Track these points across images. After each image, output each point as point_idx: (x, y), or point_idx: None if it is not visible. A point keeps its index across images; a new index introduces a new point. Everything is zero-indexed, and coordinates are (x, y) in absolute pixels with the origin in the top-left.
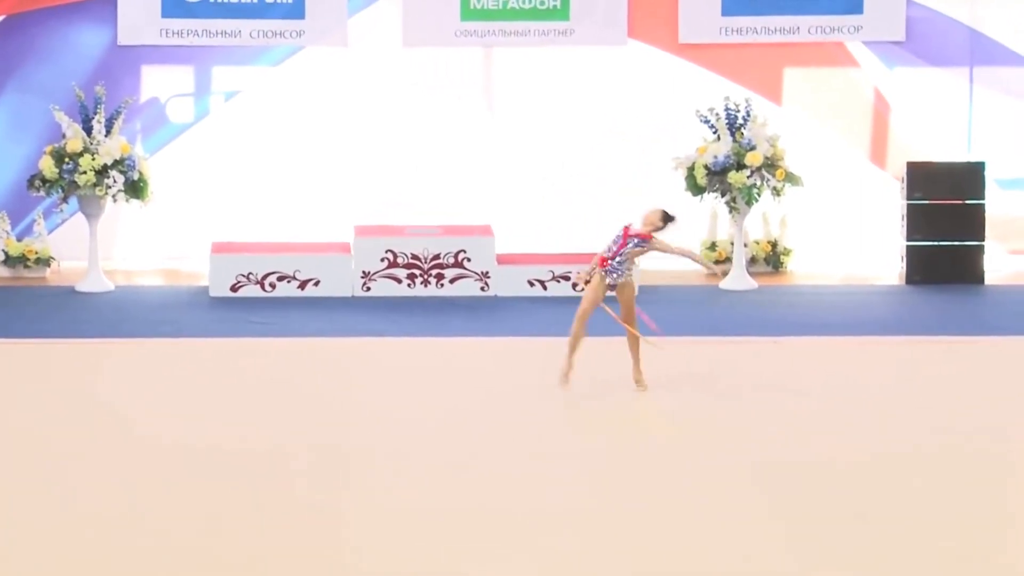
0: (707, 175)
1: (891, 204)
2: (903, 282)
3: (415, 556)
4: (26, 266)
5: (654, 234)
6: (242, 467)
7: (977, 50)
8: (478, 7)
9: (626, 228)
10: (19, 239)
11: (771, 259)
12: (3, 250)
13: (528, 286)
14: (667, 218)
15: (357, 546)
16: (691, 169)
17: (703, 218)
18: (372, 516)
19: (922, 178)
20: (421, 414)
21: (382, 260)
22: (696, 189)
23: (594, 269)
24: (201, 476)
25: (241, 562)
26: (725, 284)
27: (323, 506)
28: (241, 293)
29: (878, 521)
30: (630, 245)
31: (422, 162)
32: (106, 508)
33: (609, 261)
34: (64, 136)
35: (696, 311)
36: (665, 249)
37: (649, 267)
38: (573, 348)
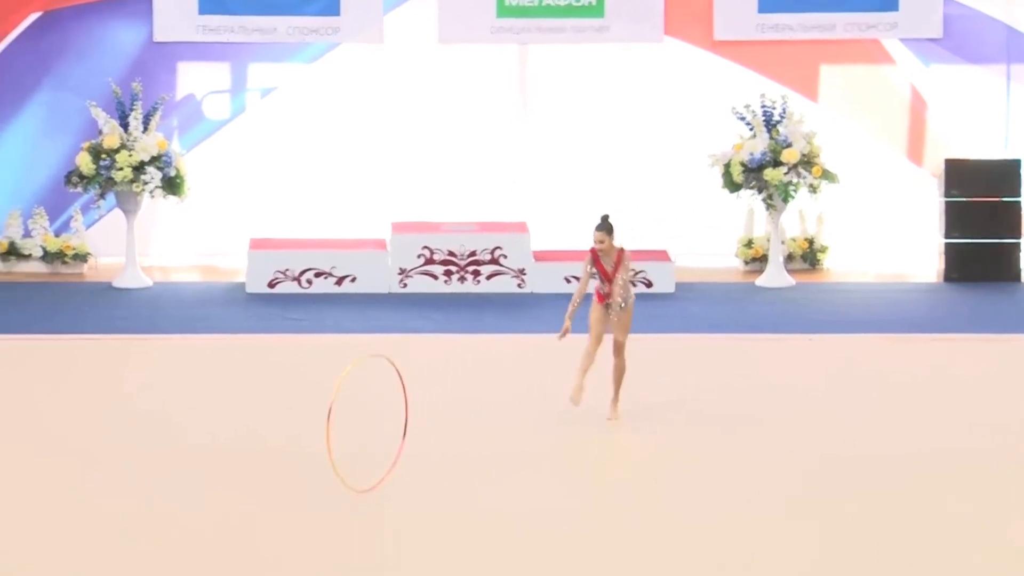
0: (743, 172)
1: (928, 201)
2: (940, 279)
3: (448, 556)
4: (63, 262)
5: (623, 250)
6: (274, 463)
7: (1014, 47)
8: (513, 4)
9: (599, 263)
10: (57, 235)
11: (808, 256)
12: (41, 246)
13: (564, 283)
14: (607, 225)
15: (388, 542)
16: (727, 166)
17: (739, 215)
18: (402, 514)
19: (959, 175)
20: (454, 411)
21: (418, 256)
22: (732, 186)
23: (572, 316)
24: (232, 472)
25: (268, 559)
26: (762, 281)
27: (354, 503)
28: (278, 289)
29: (926, 518)
30: (619, 279)
31: (458, 159)
32: (136, 503)
33: (607, 297)
34: (101, 132)
35: (733, 308)
36: (623, 268)
37: (686, 264)
38: (584, 370)
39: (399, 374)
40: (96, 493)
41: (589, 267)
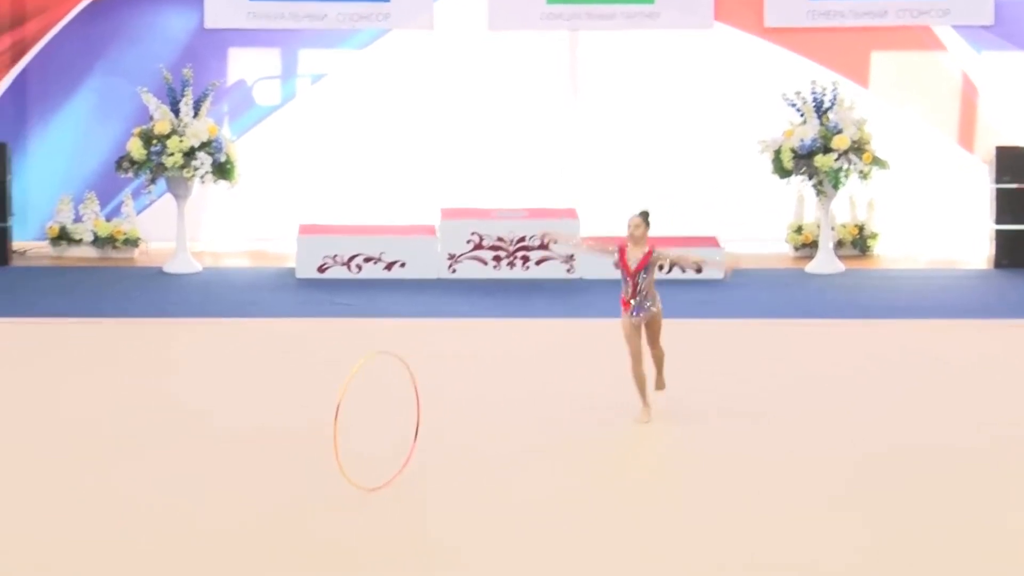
0: (794, 158)
1: (979, 188)
2: (991, 266)
3: (494, 541)
4: (114, 247)
5: (655, 248)
6: (317, 453)
7: None
8: None
9: (623, 258)
10: (108, 220)
11: (858, 242)
12: (92, 231)
13: (613, 269)
14: (646, 216)
15: (430, 527)
16: (778, 152)
17: (790, 201)
18: (446, 501)
19: (1011, 162)
20: (502, 396)
21: (468, 242)
22: (783, 172)
23: (560, 241)
24: (273, 460)
25: (309, 544)
26: (812, 268)
27: (394, 489)
28: (328, 274)
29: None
30: (641, 279)
31: (508, 145)
32: (170, 490)
33: (630, 302)
34: (152, 118)
35: (783, 294)
36: (666, 258)
37: (736, 250)
38: (642, 388)
39: (411, 374)
40: (127, 479)
41: (612, 253)
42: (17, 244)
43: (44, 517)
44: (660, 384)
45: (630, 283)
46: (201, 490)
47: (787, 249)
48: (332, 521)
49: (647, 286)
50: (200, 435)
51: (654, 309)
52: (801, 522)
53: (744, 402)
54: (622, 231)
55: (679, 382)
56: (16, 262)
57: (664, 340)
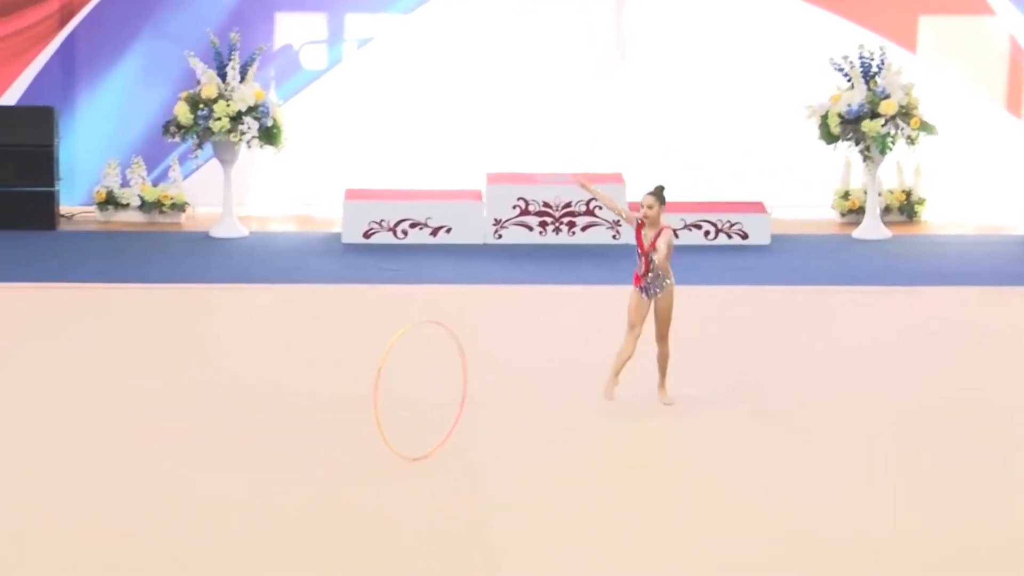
0: (841, 124)
1: None
2: None
3: (537, 512)
4: (161, 211)
5: (666, 228)
6: (360, 416)
7: None
8: None
9: (639, 235)
10: (154, 184)
11: (905, 208)
12: (139, 195)
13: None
14: (661, 194)
15: (473, 497)
16: (825, 117)
17: (836, 167)
18: (489, 471)
19: None
20: (547, 363)
21: (514, 208)
22: (830, 138)
23: (593, 189)
24: (321, 426)
25: (353, 513)
26: (858, 233)
27: (437, 459)
28: (373, 240)
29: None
30: (654, 259)
31: (554, 109)
32: (220, 452)
33: (643, 278)
34: (199, 82)
35: (830, 260)
36: (659, 257)
37: (782, 216)
38: (620, 366)
39: (458, 342)
40: (170, 444)
41: (633, 223)
42: (64, 209)
43: (88, 481)
44: (664, 391)
45: (643, 260)
46: (244, 457)
47: (834, 215)
48: (375, 490)
49: (659, 266)
50: (244, 401)
51: (667, 287)
52: (845, 490)
53: (787, 368)
54: (668, 195)
55: (725, 348)
56: (63, 227)
57: (672, 338)
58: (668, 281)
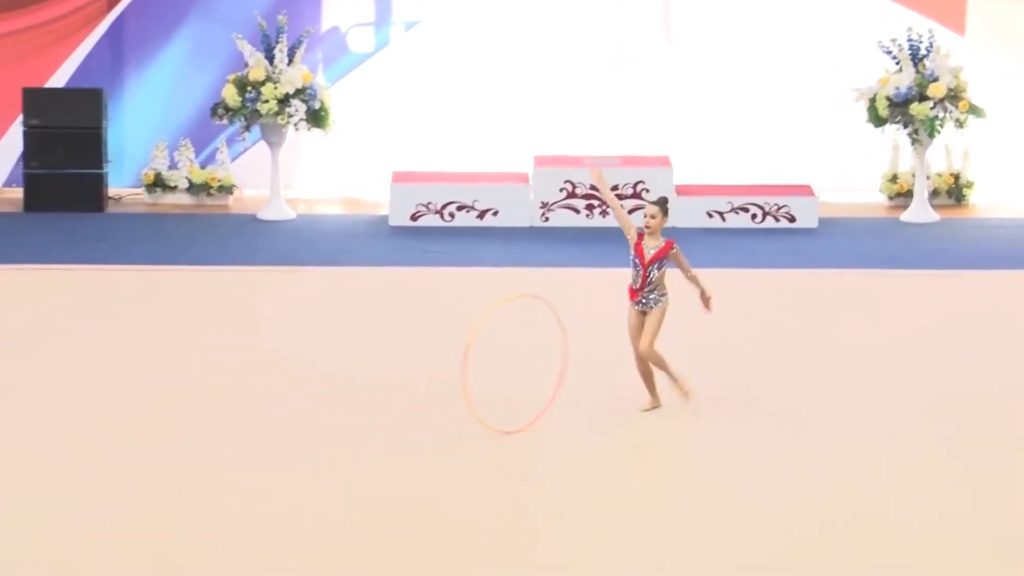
0: (889, 106)
1: None
2: None
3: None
4: (209, 194)
5: (673, 244)
6: (415, 401)
7: None
8: None
9: (640, 247)
10: (202, 167)
11: (953, 191)
12: (187, 177)
13: (707, 217)
14: (664, 206)
15: (508, 488)
16: (873, 100)
17: (885, 150)
18: (518, 458)
19: None
20: (592, 347)
21: (560, 190)
22: (878, 121)
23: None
24: (371, 409)
25: (412, 499)
26: (906, 216)
27: (498, 445)
28: (420, 222)
29: None
30: (653, 272)
31: (601, 92)
32: (272, 438)
33: (638, 293)
34: (247, 65)
35: (877, 243)
36: (680, 264)
37: (830, 199)
38: (649, 380)
39: (557, 317)
40: (221, 427)
41: (631, 237)
42: (113, 191)
43: (131, 461)
44: (680, 389)
45: (641, 274)
46: (291, 438)
47: (881, 198)
48: (440, 470)
49: (658, 280)
50: (291, 383)
51: (661, 304)
52: (900, 473)
53: (835, 352)
54: (715, 178)
55: (772, 331)
56: (112, 209)
57: (658, 343)
58: (664, 298)
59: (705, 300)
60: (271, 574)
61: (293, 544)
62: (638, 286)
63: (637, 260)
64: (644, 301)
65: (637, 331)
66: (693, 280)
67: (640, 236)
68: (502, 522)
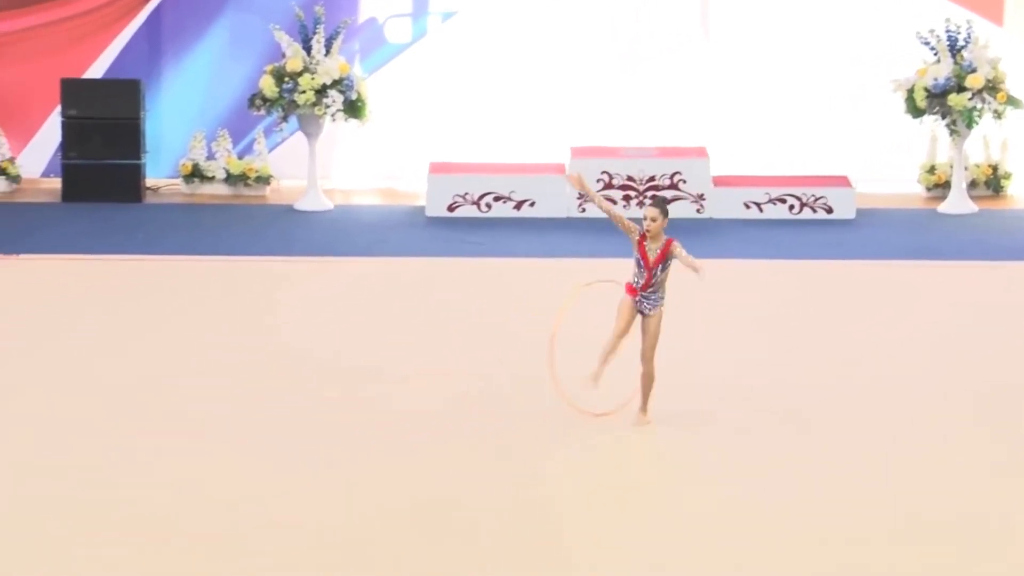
0: (927, 97)
1: None
2: None
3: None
4: (246, 184)
5: (672, 241)
6: (461, 389)
7: None
8: None
9: (643, 247)
10: (240, 157)
11: (991, 183)
12: (224, 168)
13: (744, 208)
14: (665, 207)
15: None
16: (911, 91)
17: (922, 141)
18: (560, 448)
19: None
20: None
21: (597, 181)
22: (915, 112)
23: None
24: (422, 401)
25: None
26: (944, 208)
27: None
28: (457, 213)
29: None
30: (657, 274)
31: (638, 83)
32: (292, 425)
33: (639, 292)
34: (284, 56)
35: (915, 235)
36: (680, 256)
37: (867, 190)
38: (606, 357)
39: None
40: (261, 416)
41: (634, 234)
42: (150, 181)
43: (166, 454)
44: (642, 413)
45: (646, 276)
46: (327, 428)
47: (919, 189)
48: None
49: (661, 281)
50: (328, 374)
51: (659, 308)
52: (935, 469)
53: (873, 342)
54: (752, 169)
55: (809, 322)
56: (149, 199)
57: (657, 359)
58: (663, 300)
59: (694, 268)
60: (292, 571)
61: (315, 542)
62: (640, 286)
63: (642, 262)
64: (643, 301)
65: (626, 313)
66: (690, 265)
67: (642, 237)
68: (523, 522)
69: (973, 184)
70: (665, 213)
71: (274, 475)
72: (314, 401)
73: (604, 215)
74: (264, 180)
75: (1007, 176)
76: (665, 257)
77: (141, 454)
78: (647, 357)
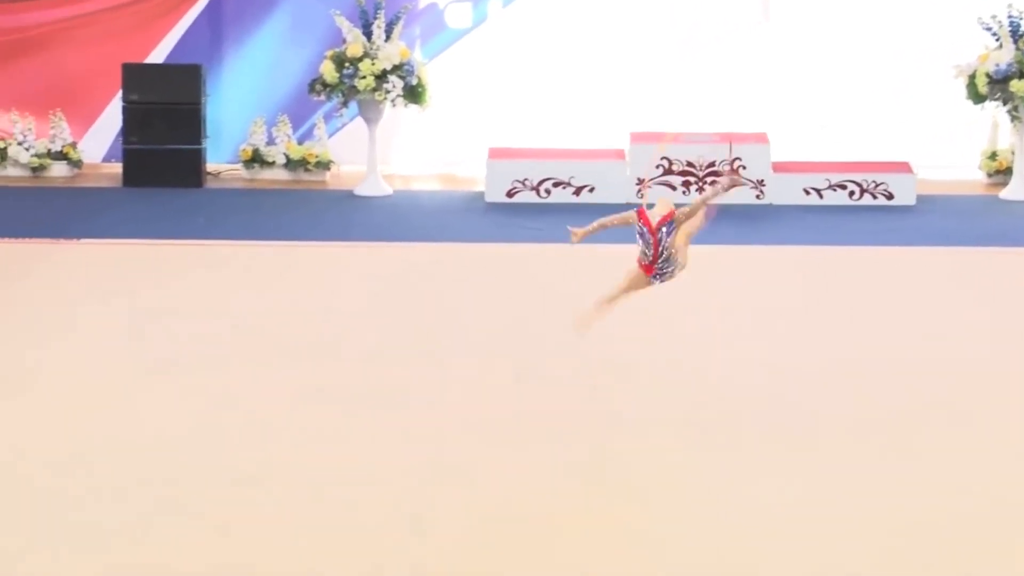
0: (988, 83)
1: None
2: None
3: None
4: (306, 169)
5: (675, 209)
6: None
7: None
8: None
9: (643, 216)
10: (300, 143)
11: None
12: (284, 153)
13: (804, 194)
14: None
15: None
16: (972, 77)
17: (984, 127)
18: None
19: None
20: (687, 326)
21: (657, 167)
22: (977, 98)
23: (592, 230)
24: (453, 382)
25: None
26: (1005, 194)
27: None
28: (516, 199)
29: None
30: (664, 239)
31: (698, 69)
32: (352, 405)
33: (653, 267)
34: (344, 41)
35: (976, 221)
36: (690, 214)
37: (928, 176)
38: (605, 304)
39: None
40: (311, 401)
41: (631, 214)
42: (211, 166)
43: (227, 435)
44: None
45: (652, 242)
46: (386, 410)
47: (980, 176)
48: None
49: (670, 246)
50: (389, 358)
51: (678, 274)
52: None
53: (935, 329)
54: (812, 155)
55: (869, 309)
56: (210, 184)
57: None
58: (681, 265)
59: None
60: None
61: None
62: (651, 259)
63: (644, 228)
64: (659, 275)
65: (636, 282)
66: (715, 193)
67: (640, 211)
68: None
69: None
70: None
71: (335, 460)
72: (363, 384)
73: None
74: (324, 165)
75: None
76: (669, 219)
77: (202, 436)
78: (680, 250)
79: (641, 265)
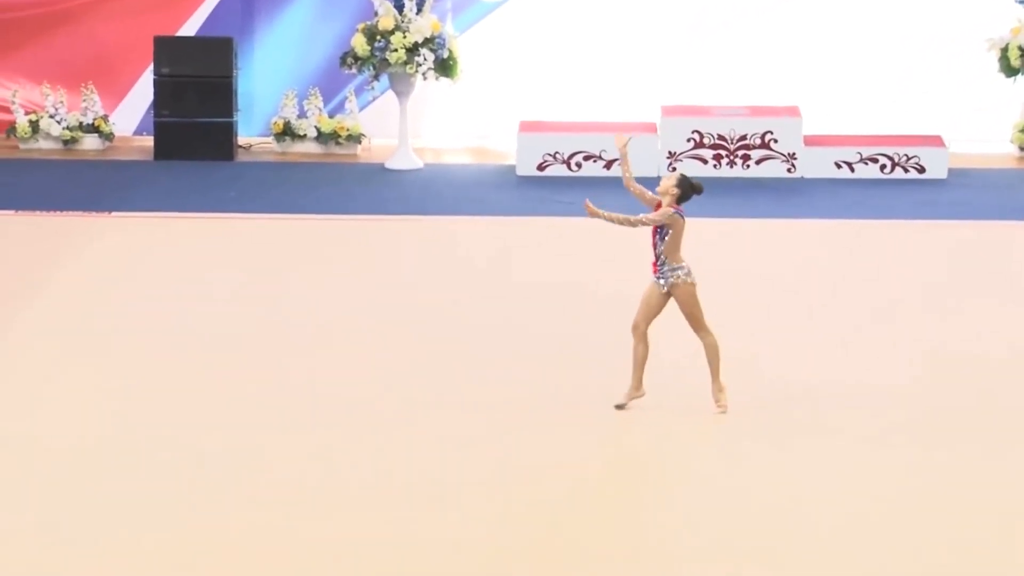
0: (1021, 56)
1: None
2: None
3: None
4: (337, 143)
5: (673, 204)
6: (536, 344)
7: None
8: None
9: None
10: (331, 116)
11: None
12: (316, 126)
13: (835, 168)
14: (684, 184)
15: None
16: (1004, 50)
17: (1016, 100)
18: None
19: None
20: (721, 298)
21: (688, 140)
22: (1009, 71)
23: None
24: (487, 354)
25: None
26: None
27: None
28: (547, 172)
29: None
30: (659, 244)
31: (729, 42)
32: (388, 379)
33: (657, 264)
34: (376, 14)
35: (1008, 194)
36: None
37: (960, 150)
38: (638, 366)
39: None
40: (345, 374)
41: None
42: (242, 139)
43: (259, 409)
44: (718, 395)
45: (652, 242)
46: (419, 380)
47: (1012, 149)
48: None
49: (666, 251)
50: (421, 330)
51: (679, 279)
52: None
53: (968, 304)
54: (844, 129)
55: (903, 282)
56: (241, 157)
57: (710, 324)
58: (680, 272)
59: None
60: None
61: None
62: (654, 261)
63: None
64: (660, 276)
65: (647, 305)
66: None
67: (657, 205)
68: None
69: None
70: (679, 187)
71: (375, 435)
72: (422, 354)
73: (699, 174)
74: (355, 139)
75: None
76: (662, 224)
77: (239, 405)
78: (696, 330)
79: (652, 263)
